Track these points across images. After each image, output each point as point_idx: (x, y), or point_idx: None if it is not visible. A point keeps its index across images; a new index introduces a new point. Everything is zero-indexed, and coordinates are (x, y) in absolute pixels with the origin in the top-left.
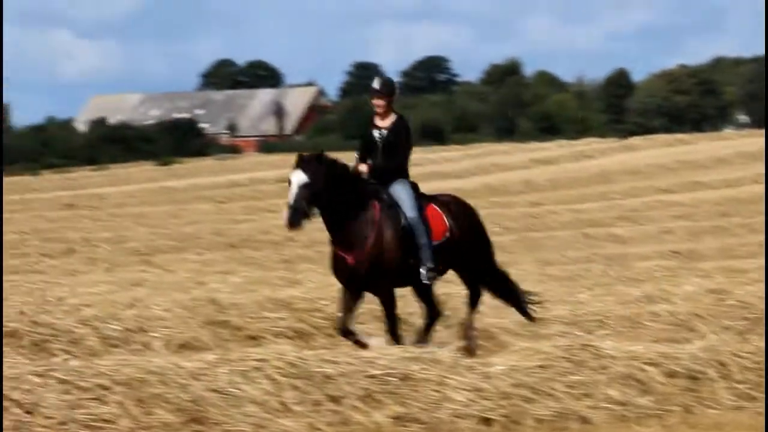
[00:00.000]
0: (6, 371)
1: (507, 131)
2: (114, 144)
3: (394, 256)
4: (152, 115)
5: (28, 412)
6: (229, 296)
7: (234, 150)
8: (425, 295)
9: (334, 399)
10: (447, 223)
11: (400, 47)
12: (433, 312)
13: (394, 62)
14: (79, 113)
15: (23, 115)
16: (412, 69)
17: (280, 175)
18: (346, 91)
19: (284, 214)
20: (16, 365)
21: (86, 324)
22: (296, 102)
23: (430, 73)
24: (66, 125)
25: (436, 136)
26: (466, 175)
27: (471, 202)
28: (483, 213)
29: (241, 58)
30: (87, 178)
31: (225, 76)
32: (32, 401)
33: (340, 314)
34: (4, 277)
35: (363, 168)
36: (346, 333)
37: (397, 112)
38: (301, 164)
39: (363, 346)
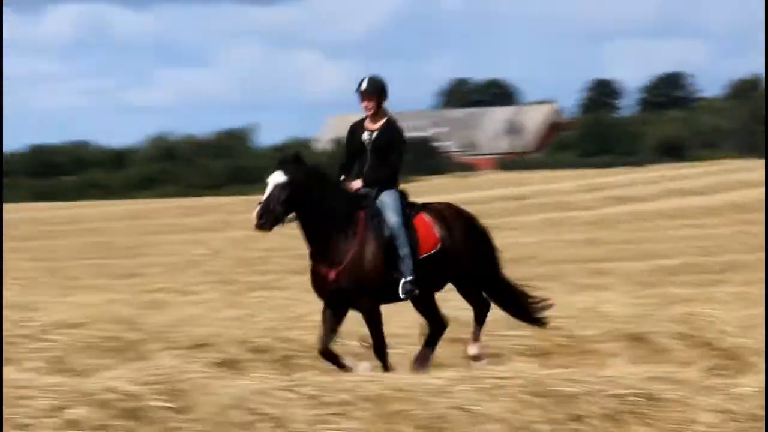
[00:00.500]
0: (256, 385)
1: (750, 147)
2: None
3: (376, 271)
4: None
5: (277, 426)
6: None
7: (471, 168)
8: (426, 307)
9: (577, 418)
10: (437, 234)
11: (639, 63)
12: (437, 325)
13: (633, 79)
14: (318, 132)
15: (270, 135)
16: (651, 85)
17: (519, 192)
18: (585, 107)
19: (254, 212)
20: (266, 380)
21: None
22: (534, 119)
23: (669, 90)
24: (305, 144)
25: (675, 152)
26: (708, 192)
27: (715, 220)
28: (727, 231)
29: (477, 77)
30: None
31: (461, 94)
32: (280, 415)
33: (320, 335)
34: (251, 294)
35: (356, 184)
36: (327, 355)
37: (389, 114)
38: (280, 164)
39: (346, 369)
